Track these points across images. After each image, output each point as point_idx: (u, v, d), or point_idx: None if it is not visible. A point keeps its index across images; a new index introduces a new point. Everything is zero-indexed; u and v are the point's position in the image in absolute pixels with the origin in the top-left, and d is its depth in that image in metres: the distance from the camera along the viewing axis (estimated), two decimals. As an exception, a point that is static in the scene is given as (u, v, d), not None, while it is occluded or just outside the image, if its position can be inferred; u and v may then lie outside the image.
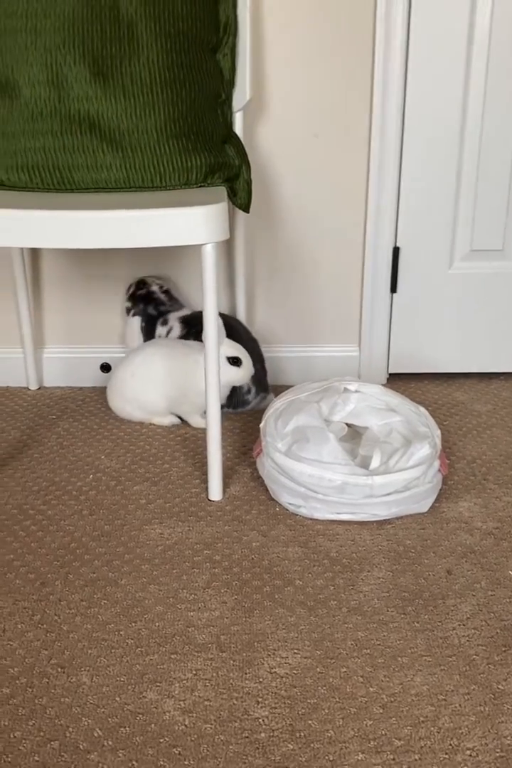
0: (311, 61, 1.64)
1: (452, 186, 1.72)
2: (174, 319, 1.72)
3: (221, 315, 1.59)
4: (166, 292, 1.75)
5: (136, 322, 1.75)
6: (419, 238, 1.76)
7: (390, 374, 1.88)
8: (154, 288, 1.74)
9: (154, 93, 1.42)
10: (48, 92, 1.40)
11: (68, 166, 1.41)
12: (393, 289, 1.80)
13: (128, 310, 1.76)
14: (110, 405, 1.70)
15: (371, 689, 0.96)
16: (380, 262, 1.77)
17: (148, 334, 1.74)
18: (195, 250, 1.26)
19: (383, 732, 0.90)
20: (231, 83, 1.55)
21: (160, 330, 1.73)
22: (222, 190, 1.43)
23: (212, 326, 1.28)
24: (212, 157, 1.46)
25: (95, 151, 1.41)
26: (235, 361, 1.55)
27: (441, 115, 1.66)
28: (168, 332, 1.72)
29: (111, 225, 1.22)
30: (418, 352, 1.86)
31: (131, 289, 1.76)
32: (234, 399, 1.68)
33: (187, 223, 1.23)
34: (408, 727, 0.90)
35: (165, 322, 1.72)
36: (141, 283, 1.76)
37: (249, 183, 1.55)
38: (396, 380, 1.85)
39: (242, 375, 1.58)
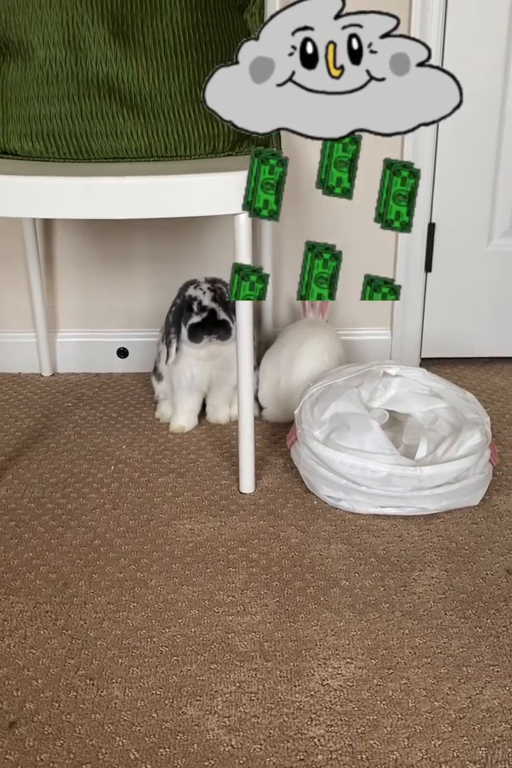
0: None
1: (491, 158, 1.61)
2: None
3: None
4: None
5: None
6: (456, 213, 1.65)
7: (423, 359, 1.78)
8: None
9: (178, 55, 1.32)
10: (64, 54, 1.30)
11: (86, 134, 1.31)
12: (428, 268, 1.70)
13: None
14: (273, 411, 1.51)
15: (436, 704, 0.86)
16: (414, 239, 1.66)
17: None
18: (222, 224, 1.16)
19: (455, 754, 0.80)
20: (259, 45, 1.44)
21: None
22: (252, 159, 1.32)
23: (246, 305, 1.18)
24: (240, 124, 1.35)
25: (115, 118, 1.31)
26: None
27: (481, 81, 1.55)
28: None
29: (137, 193, 1.12)
30: (454, 335, 1.76)
31: None
32: None
33: (220, 191, 1.13)
34: (483, 748, 0.80)
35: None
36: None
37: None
38: (430, 365, 1.74)
39: None
